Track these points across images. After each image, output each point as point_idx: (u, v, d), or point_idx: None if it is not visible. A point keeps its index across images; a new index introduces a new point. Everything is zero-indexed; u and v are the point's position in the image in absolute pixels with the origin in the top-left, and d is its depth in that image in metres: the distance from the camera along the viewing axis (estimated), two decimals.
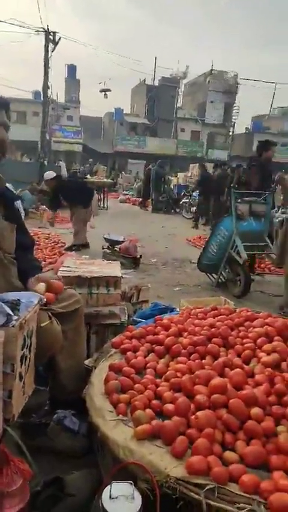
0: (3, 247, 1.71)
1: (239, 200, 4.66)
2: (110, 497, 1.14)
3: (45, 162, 15.95)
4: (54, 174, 6.66)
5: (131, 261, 5.43)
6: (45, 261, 5.01)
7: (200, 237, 8.00)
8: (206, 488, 1.15)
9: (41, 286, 1.68)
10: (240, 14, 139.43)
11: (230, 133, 34.77)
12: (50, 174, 6.60)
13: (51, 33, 16.56)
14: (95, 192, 7.57)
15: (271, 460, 1.27)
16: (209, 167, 12.90)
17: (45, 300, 1.54)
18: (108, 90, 30.69)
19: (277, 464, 1.25)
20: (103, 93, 30.71)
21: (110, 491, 1.15)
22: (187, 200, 12.70)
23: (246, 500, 1.13)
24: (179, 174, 17.95)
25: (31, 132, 24.33)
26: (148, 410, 1.48)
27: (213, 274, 4.96)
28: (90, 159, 23.53)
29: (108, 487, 1.17)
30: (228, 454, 1.30)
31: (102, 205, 12.50)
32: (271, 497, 1.11)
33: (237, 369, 1.65)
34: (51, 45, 16.69)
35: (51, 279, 1.83)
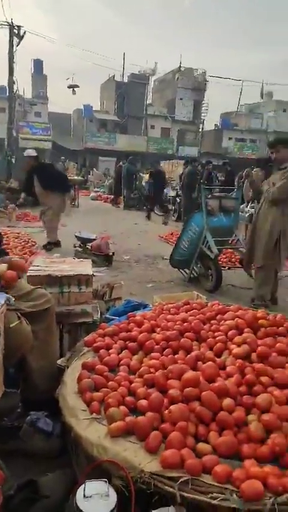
0: None
1: (209, 196, 4.73)
2: (84, 496, 1.13)
3: (13, 160, 15.52)
4: (36, 154, 6.35)
5: (103, 258, 5.40)
6: None
7: (172, 233, 8.03)
8: (180, 480, 1.16)
9: (2, 266, 1.68)
10: (207, 13, 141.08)
11: (200, 130, 35.11)
12: (31, 152, 6.30)
13: (16, 27, 16.14)
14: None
15: (242, 449, 1.30)
16: (180, 164, 12.94)
17: (13, 300, 1.51)
18: (77, 86, 30.20)
19: (248, 453, 1.28)
20: (71, 89, 30.20)
21: (84, 490, 1.15)
22: None
23: (219, 490, 1.15)
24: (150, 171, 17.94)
25: None
26: (122, 407, 1.48)
27: (186, 270, 5.02)
28: (63, 157, 23.10)
29: (82, 486, 1.16)
30: (202, 446, 1.32)
31: (73, 203, 12.33)
32: (243, 485, 1.14)
33: (210, 362, 1.68)
34: (16, 40, 16.27)
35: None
